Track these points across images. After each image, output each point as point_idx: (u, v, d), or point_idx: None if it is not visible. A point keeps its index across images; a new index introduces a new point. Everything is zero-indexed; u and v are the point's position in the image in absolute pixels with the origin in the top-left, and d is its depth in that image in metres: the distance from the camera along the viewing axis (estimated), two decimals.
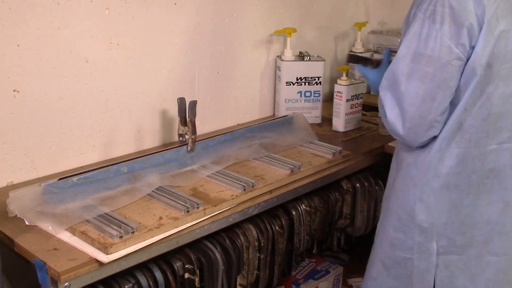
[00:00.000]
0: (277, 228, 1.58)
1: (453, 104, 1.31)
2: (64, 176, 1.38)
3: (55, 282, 1.10)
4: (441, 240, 1.38)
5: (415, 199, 1.39)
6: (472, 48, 1.26)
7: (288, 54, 2.07)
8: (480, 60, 1.26)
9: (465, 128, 1.31)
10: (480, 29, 1.24)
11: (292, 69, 2.05)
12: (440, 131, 1.34)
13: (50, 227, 1.23)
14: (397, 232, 1.44)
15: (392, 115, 1.35)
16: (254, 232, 1.52)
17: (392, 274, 1.46)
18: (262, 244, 1.54)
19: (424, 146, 1.37)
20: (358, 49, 2.36)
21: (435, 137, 1.35)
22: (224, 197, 1.41)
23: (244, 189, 1.45)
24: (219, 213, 1.38)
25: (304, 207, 1.67)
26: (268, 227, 1.56)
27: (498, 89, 1.29)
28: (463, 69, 1.27)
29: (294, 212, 1.65)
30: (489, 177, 1.34)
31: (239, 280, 1.51)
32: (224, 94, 2.00)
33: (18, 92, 1.44)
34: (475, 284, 1.40)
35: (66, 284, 1.10)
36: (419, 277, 1.41)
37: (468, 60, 1.27)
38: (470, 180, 1.34)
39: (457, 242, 1.38)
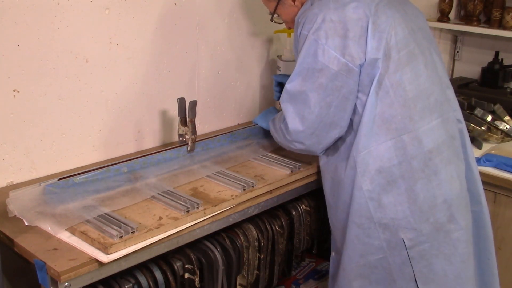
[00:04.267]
0: (277, 228, 1.58)
1: (361, 101, 1.38)
2: (64, 176, 1.38)
3: (55, 282, 1.11)
4: (407, 233, 1.39)
5: (365, 200, 1.40)
6: (365, 51, 1.33)
7: (288, 54, 2.07)
8: (376, 55, 1.34)
9: (388, 119, 1.36)
10: (366, 31, 1.33)
11: (292, 69, 2.04)
12: (359, 129, 1.38)
13: (49, 228, 1.23)
14: (362, 239, 1.44)
15: (294, 124, 1.42)
16: (254, 232, 1.52)
17: (374, 280, 1.46)
18: (262, 244, 1.54)
19: (352, 148, 1.40)
20: None
21: (356, 137, 1.39)
22: (224, 197, 1.41)
23: (244, 189, 1.45)
24: (219, 213, 1.38)
25: (304, 207, 1.68)
26: (268, 227, 1.56)
27: (405, 74, 1.36)
28: (358, 74, 1.35)
29: (294, 212, 1.65)
30: (431, 158, 1.38)
31: (239, 280, 1.51)
32: (224, 94, 2.00)
33: (18, 92, 1.44)
34: (452, 263, 1.42)
35: (66, 284, 1.10)
36: (399, 271, 1.43)
37: (365, 61, 1.34)
38: (413, 167, 1.37)
39: (423, 231, 1.40)
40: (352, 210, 1.43)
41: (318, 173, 1.65)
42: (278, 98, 1.73)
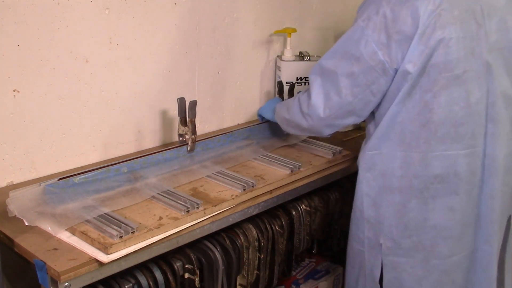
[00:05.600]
0: (277, 228, 1.58)
1: (384, 106, 1.37)
2: (64, 176, 1.38)
3: (55, 282, 1.10)
4: (387, 241, 1.42)
5: (362, 194, 1.45)
6: (403, 58, 1.28)
7: (288, 54, 2.07)
8: (411, 68, 1.28)
9: (404, 133, 1.34)
10: (412, 38, 1.26)
11: (292, 69, 2.05)
12: (376, 131, 1.39)
13: (49, 228, 1.23)
14: (353, 225, 1.51)
15: (317, 98, 1.43)
16: (254, 232, 1.52)
17: (352, 264, 1.54)
18: (262, 244, 1.54)
19: (365, 144, 1.43)
20: None
21: (371, 136, 1.40)
22: (224, 197, 1.41)
23: (244, 189, 1.45)
24: (219, 213, 1.38)
25: (304, 207, 1.68)
26: (268, 227, 1.56)
27: (438, 97, 1.30)
28: (393, 76, 1.31)
29: (294, 212, 1.65)
30: (433, 182, 1.35)
31: (239, 280, 1.51)
32: (224, 94, 2.00)
33: (18, 92, 1.44)
34: (421, 286, 1.42)
35: (66, 284, 1.10)
36: (369, 270, 1.46)
37: (398, 69, 1.30)
38: (412, 185, 1.36)
39: (402, 245, 1.40)
40: (355, 196, 1.50)
41: (318, 173, 1.65)
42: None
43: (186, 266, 1.35)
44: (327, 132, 1.50)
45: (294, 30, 2.07)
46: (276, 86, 2.01)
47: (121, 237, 1.18)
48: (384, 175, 1.40)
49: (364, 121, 1.48)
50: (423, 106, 1.31)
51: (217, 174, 1.53)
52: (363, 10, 1.35)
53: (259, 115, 1.86)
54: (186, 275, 1.35)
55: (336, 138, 1.94)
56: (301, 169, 1.62)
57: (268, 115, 1.79)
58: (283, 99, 1.89)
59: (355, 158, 1.76)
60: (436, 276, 1.41)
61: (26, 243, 1.19)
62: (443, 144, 1.33)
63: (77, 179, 1.39)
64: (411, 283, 1.43)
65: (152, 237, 1.23)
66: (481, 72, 1.32)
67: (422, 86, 1.30)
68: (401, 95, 1.32)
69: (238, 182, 1.47)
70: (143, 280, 1.27)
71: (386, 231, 1.42)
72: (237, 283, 1.51)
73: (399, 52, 1.28)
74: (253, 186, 1.47)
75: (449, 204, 1.37)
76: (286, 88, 1.96)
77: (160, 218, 1.30)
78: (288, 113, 1.56)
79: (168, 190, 1.42)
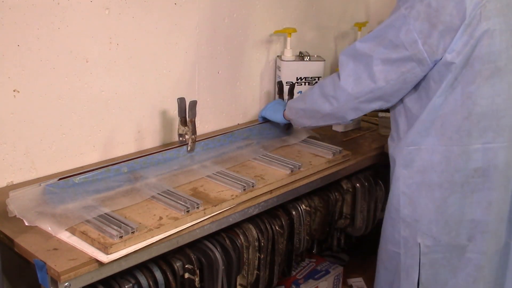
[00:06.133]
0: (277, 228, 1.58)
1: (427, 96, 1.34)
2: (64, 176, 1.38)
3: (55, 282, 1.10)
4: (426, 240, 1.40)
5: (398, 192, 1.42)
6: (446, 48, 1.27)
7: (288, 54, 2.07)
8: (455, 59, 1.27)
9: (446, 126, 1.33)
10: (457, 30, 1.25)
11: (292, 69, 2.05)
12: (414, 124, 1.37)
13: (49, 228, 1.23)
14: (387, 226, 1.48)
15: (346, 80, 1.41)
16: (254, 232, 1.52)
17: (388, 267, 1.51)
18: (262, 244, 1.54)
19: (401, 138, 1.40)
20: None
21: (409, 131, 1.38)
22: (224, 197, 1.41)
23: (244, 189, 1.45)
24: (219, 213, 1.38)
25: (304, 207, 1.67)
26: (268, 227, 1.56)
27: (481, 88, 1.29)
28: (431, 67, 1.30)
29: (294, 212, 1.65)
30: (474, 176, 1.35)
31: (239, 280, 1.51)
32: (224, 94, 2.00)
33: (18, 92, 1.44)
34: (456, 277, 1.42)
35: (66, 284, 1.10)
36: (405, 273, 1.44)
37: (441, 59, 1.28)
38: (454, 179, 1.35)
39: (442, 242, 1.40)
40: (390, 194, 1.47)
41: (318, 173, 1.65)
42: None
43: (186, 266, 1.35)
44: (351, 116, 1.46)
45: (294, 30, 2.07)
46: (276, 86, 2.01)
47: (121, 237, 1.18)
48: (424, 171, 1.37)
49: (384, 115, 1.46)
50: (466, 98, 1.30)
51: (217, 174, 1.53)
52: None
53: (261, 117, 1.85)
54: (186, 275, 1.35)
55: (336, 138, 1.94)
56: (301, 169, 1.61)
57: (272, 116, 1.76)
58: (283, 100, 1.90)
59: (355, 158, 1.77)
60: (471, 270, 1.41)
61: (26, 243, 1.19)
62: (485, 137, 1.33)
63: (77, 179, 1.39)
64: (446, 275, 1.42)
65: (152, 237, 1.23)
66: None
67: (465, 77, 1.29)
68: (443, 87, 1.30)
69: (238, 182, 1.47)
70: (143, 280, 1.27)
71: (424, 229, 1.39)
72: (237, 283, 1.51)
73: (441, 43, 1.27)
74: (253, 186, 1.47)
75: (488, 198, 1.37)
76: (286, 88, 1.96)
77: (160, 218, 1.30)
78: (304, 102, 1.54)
79: (168, 190, 1.42)
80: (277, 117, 1.74)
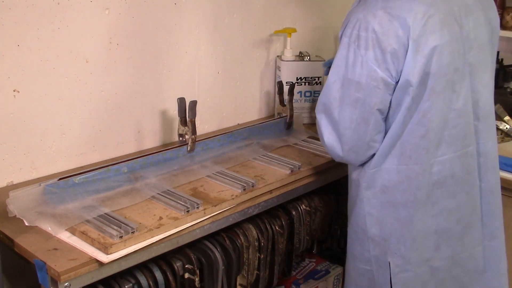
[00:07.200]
0: (277, 228, 1.58)
1: (388, 122, 1.32)
2: (64, 176, 1.38)
3: (55, 282, 1.11)
4: (396, 259, 1.38)
5: (364, 213, 1.40)
6: (400, 70, 1.25)
7: (288, 54, 2.07)
8: (411, 80, 1.24)
9: (405, 145, 1.31)
10: (406, 51, 1.23)
11: (292, 69, 2.05)
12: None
13: (49, 228, 1.23)
14: (355, 245, 1.46)
15: (329, 139, 1.37)
16: (254, 232, 1.52)
17: (359, 285, 1.48)
18: (262, 244, 1.54)
19: (364, 162, 1.38)
20: None
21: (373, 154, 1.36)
22: (224, 197, 1.41)
23: (244, 189, 1.45)
24: (219, 213, 1.38)
25: (304, 207, 1.67)
26: (268, 227, 1.56)
27: (434, 104, 1.27)
28: (393, 90, 1.27)
29: (294, 212, 1.65)
30: (433, 189, 1.34)
31: (239, 280, 1.51)
32: (224, 94, 2.00)
33: (18, 92, 1.44)
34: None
35: (66, 284, 1.10)
36: None
37: (397, 82, 1.26)
38: (416, 197, 1.34)
39: (411, 260, 1.38)
40: (354, 215, 1.45)
41: (318, 173, 1.65)
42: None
43: (186, 266, 1.35)
44: (357, 163, 1.39)
45: (294, 30, 2.07)
46: (276, 86, 2.01)
47: (121, 237, 1.18)
48: (386, 191, 1.36)
49: None
50: (421, 116, 1.28)
51: (217, 174, 1.53)
52: (347, 27, 1.30)
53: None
54: (186, 275, 1.35)
55: None
56: (301, 169, 1.62)
57: None
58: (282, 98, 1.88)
59: None
60: (440, 276, 1.40)
61: (26, 243, 1.19)
62: (439, 150, 1.32)
63: (77, 179, 1.39)
64: None
65: (152, 237, 1.23)
66: (465, 72, 1.31)
67: (419, 96, 1.27)
68: (402, 111, 1.28)
69: (238, 182, 1.47)
70: (143, 280, 1.27)
71: (393, 248, 1.38)
72: (237, 283, 1.51)
73: (396, 65, 1.24)
74: (253, 186, 1.47)
75: (448, 207, 1.36)
76: (286, 88, 1.96)
77: (160, 218, 1.30)
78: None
79: (168, 190, 1.42)
80: None
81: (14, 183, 1.48)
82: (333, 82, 1.33)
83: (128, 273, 1.27)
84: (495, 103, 2.09)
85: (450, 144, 1.32)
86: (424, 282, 1.41)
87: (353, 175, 1.44)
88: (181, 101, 1.61)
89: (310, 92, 2.07)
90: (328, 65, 1.69)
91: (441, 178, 1.33)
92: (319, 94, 2.05)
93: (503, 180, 1.75)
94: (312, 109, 2.08)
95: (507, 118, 2.05)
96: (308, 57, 2.08)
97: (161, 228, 1.25)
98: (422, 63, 1.24)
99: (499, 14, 2.22)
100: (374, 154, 1.36)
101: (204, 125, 1.95)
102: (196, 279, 1.37)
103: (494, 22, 1.40)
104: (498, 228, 1.44)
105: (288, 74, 2.05)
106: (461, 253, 1.41)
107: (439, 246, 1.38)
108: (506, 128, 2.01)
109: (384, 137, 1.34)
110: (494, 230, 1.44)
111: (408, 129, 1.30)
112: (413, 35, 1.22)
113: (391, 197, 1.36)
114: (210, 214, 1.36)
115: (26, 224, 1.24)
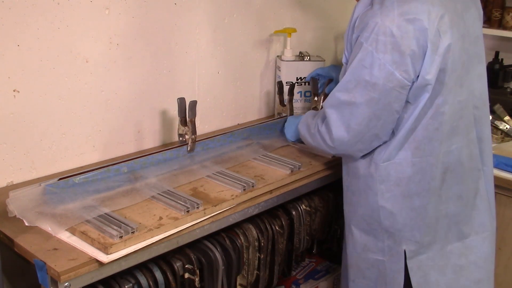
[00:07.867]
0: (277, 228, 1.58)
1: (400, 117, 1.36)
2: (64, 176, 1.38)
3: (55, 282, 1.11)
4: (410, 245, 1.42)
5: (377, 206, 1.43)
6: (419, 71, 1.29)
7: (288, 54, 2.07)
8: (430, 79, 1.29)
9: (420, 140, 1.36)
10: (425, 52, 1.28)
11: (292, 69, 2.05)
12: (390, 141, 1.38)
13: (49, 228, 1.23)
14: (368, 235, 1.48)
15: (339, 132, 1.40)
16: (254, 232, 1.52)
17: (367, 276, 1.51)
18: (262, 244, 1.54)
19: (375, 156, 1.41)
20: None
21: (384, 148, 1.39)
22: (224, 197, 1.41)
23: (244, 189, 1.45)
24: (219, 213, 1.38)
25: (304, 207, 1.68)
26: (268, 227, 1.56)
27: (446, 98, 1.33)
28: (409, 90, 1.31)
29: (294, 212, 1.65)
30: (445, 178, 1.40)
31: (239, 280, 1.51)
32: (224, 94, 2.00)
33: (18, 92, 1.44)
34: (444, 274, 1.45)
35: (66, 284, 1.10)
36: (392, 278, 1.46)
37: (414, 82, 1.30)
38: (430, 187, 1.39)
39: (424, 243, 1.43)
40: (363, 208, 1.46)
41: (318, 173, 1.65)
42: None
43: (186, 266, 1.35)
44: (359, 155, 1.45)
45: (294, 30, 2.07)
46: (276, 86, 2.01)
47: (121, 237, 1.18)
48: (400, 184, 1.39)
49: None
50: (436, 110, 1.33)
51: (217, 174, 1.53)
52: (363, 31, 1.31)
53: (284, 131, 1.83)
54: (186, 275, 1.35)
55: None
56: (301, 169, 1.62)
57: (292, 136, 1.78)
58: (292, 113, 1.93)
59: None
60: (454, 259, 1.45)
61: (26, 243, 1.19)
62: (450, 140, 1.38)
63: (77, 179, 1.39)
64: (435, 276, 1.45)
65: (152, 237, 1.23)
66: (468, 64, 1.38)
67: (436, 93, 1.32)
68: (421, 109, 1.33)
69: (238, 182, 1.47)
70: (143, 280, 1.27)
71: (408, 236, 1.42)
72: (237, 283, 1.51)
73: (415, 66, 1.28)
74: (253, 186, 1.47)
75: (458, 192, 1.42)
76: (286, 88, 1.96)
77: (160, 218, 1.30)
78: (312, 141, 1.52)
79: (168, 190, 1.42)
80: (295, 135, 1.76)
81: (14, 183, 1.48)
82: (348, 82, 1.36)
83: (128, 273, 1.27)
84: (495, 103, 2.10)
85: (458, 133, 1.39)
86: (441, 267, 1.45)
87: (361, 170, 1.45)
88: (181, 101, 1.61)
89: (310, 92, 2.06)
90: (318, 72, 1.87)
91: (451, 166, 1.40)
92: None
93: (503, 180, 1.76)
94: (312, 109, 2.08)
95: (507, 118, 2.05)
96: (308, 57, 2.08)
97: (161, 228, 1.25)
98: (439, 62, 1.29)
99: (499, 14, 2.23)
100: (384, 147, 1.40)
101: (204, 125, 1.95)
102: (196, 279, 1.37)
103: (481, 14, 1.47)
104: (494, 211, 1.54)
105: (288, 74, 2.05)
106: (471, 236, 1.47)
107: (450, 229, 1.44)
108: (506, 128, 2.01)
109: (393, 132, 1.38)
110: (493, 213, 1.53)
111: (422, 123, 1.35)
112: (430, 36, 1.27)
113: (406, 189, 1.39)
114: (210, 214, 1.36)
115: (26, 224, 1.24)
